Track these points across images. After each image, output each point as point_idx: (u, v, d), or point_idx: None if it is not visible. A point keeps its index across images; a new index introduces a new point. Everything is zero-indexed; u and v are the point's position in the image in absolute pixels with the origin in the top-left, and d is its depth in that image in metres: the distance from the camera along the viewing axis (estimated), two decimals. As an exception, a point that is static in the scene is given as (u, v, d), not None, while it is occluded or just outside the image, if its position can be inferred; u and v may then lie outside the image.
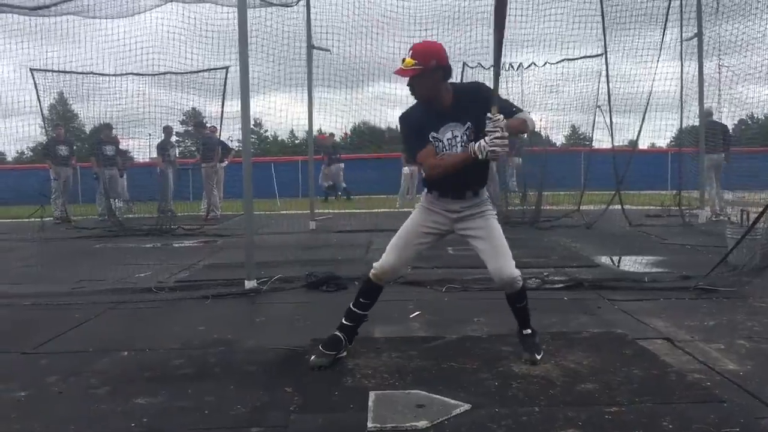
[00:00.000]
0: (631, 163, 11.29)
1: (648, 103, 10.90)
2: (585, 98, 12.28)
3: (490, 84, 3.48)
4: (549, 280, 5.93)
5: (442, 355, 3.79)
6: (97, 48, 11.68)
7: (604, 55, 11.31)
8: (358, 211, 12.83)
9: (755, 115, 12.87)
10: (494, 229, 3.61)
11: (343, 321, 3.76)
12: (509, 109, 3.44)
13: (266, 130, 38.43)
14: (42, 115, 13.62)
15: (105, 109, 13.25)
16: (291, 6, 10.49)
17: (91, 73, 12.55)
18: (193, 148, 17.06)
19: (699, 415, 2.85)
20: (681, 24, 10.91)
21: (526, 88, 12.24)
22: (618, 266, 7.14)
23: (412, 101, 3.61)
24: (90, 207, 15.07)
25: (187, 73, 12.54)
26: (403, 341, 4.11)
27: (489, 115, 3.26)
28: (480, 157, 3.26)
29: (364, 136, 21.68)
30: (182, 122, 14.72)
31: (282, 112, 12.92)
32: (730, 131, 11.83)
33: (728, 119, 11.36)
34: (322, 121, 11.42)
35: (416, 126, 3.52)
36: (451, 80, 3.54)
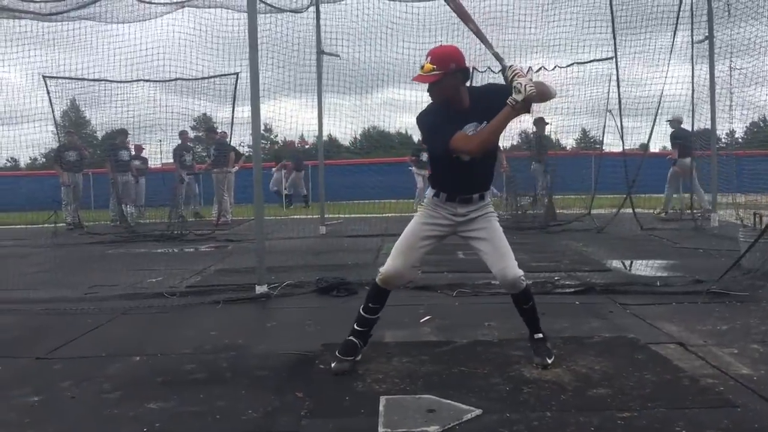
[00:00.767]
0: (642, 166, 11.25)
1: (659, 107, 10.87)
2: (595, 102, 12.23)
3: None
4: (560, 284, 5.91)
5: (453, 360, 3.79)
6: (109, 55, 11.79)
7: (614, 59, 11.27)
8: (368, 215, 12.83)
9: (767, 118, 12.80)
10: (496, 231, 3.63)
11: (355, 326, 3.76)
12: None
13: (276, 135, 38.53)
14: (54, 121, 13.73)
15: (117, 115, 13.35)
16: (301, 12, 10.55)
17: (103, 79, 12.64)
18: (204, 154, 17.11)
19: (712, 420, 2.83)
20: (692, 26, 10.85)
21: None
22: (629, 270, 7.10)
23: (420, 105, 3.62)
24: (102, 213, 15.15)
25: (197, 79, 12.60)
26: (413, 346, 4.11)
27: (506, 65, 3.30)
28: (519, 100, 3.19)
29: (373, 140, 21.71)
30: (193, 128, 14.75)
31: (292, 118, 12.97)
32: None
33: (740, 122, 11.31)
34: (332, 127, 11.45)
35: (443, 118, 3.48)
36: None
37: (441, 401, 3.11)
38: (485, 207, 3.68)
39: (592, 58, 11.73)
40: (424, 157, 13.45)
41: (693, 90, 11.05)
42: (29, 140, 12.79)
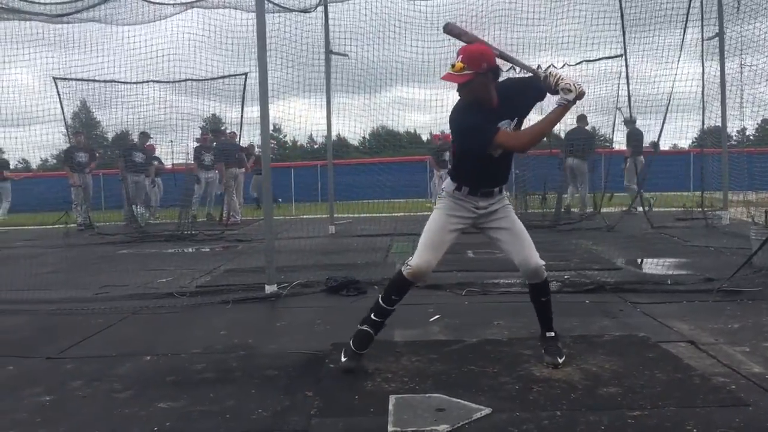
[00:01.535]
0: (652, 164, 11.20)
1: (669, 104, 10.80)
2: (605, 100, 12.18)
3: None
4: (570, 283, 5.89)
5: (462, 359, 3.78)
6: (119, 56, 11.85)
7: (623, 56, 11.21)
8: (377, 215, 12.83)
9: (779, 114, 12.71)
10: (516, 221, 3.68)
11: (372, 316, 3.70)
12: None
13: (285, 135, 38.61)
14: (65, 123, 13.81)
15: (127, 116, 13.42)
16: (309, 12, 10.55)
17: (113, 81, 12.70)
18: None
19: (724, 418, 2.81)
20: (702, 23, 10.77)
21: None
22: (640, 269, 7.07)
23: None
24: (113, 214, 15.22)
25: (207, 79, 12.64)
26: (422, 345, 4.11)
27: (542, 74, 3.42)
28: (572, 99, 3.32)
29: (382, 139, 21.70)
30: (202, 128, 14.76)
31: (301, 118, 13.00)
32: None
33: (750, 119, 11.24)
34: (341, 126, 11.46)
35: (483, 117, 3.46)
36: None
37: (450, 400, 3.11)
38: (503, 200, 3.72)
39: (601, 56, 11.67)
40: (447, 156, 13.43)
41: (703, 87, 10.99)
42: (40, 142, 12.89)
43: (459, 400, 3.10)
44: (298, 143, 38.49)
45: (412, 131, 23.26)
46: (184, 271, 7.43)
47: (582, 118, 12.55)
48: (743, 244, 6.91)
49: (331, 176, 11.74)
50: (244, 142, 14.57)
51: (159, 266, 7.94)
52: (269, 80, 6.13)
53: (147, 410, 3.14)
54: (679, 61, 10.71)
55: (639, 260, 7.49)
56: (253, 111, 13.51)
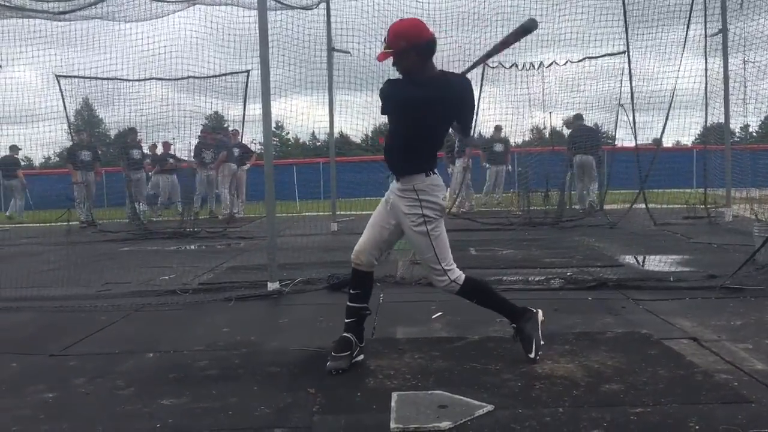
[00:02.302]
0: (655, 161, 11.19)
1: (672, 101, 10.78)
2: (607, 96, 12.19)
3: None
4: (573, 279, 5.88)
5: (465, 356, 3.78)
6: (121, 53, 11.87)
7: (626, 53, 11.19)
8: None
9: (781, 111, 12.68)
10: (412, 238, 3.68)
11: (346, 320, 3.75)
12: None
13: (287, 133, 38.68)
14: (68, 120, 13.84)
15: (129, 113, 13.45)
16: (311, 9, 10.55)
17: (115, 78, 12.75)
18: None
19: (726, 415, 2.81)
20: (705, 20, 10.77)
21: (547, 87, 12.19)
22: (643, 266, 7.06)
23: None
24: (115, 211, 15.24)
25: (209, 77, 12.66)
26: (425, 342, 4.11)
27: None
28: None
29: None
30: (204, 126, 14.82)
31: (303, 115, 13.01)
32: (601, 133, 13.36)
33: (754, 116, 11.24)
34: (343, 123, 11.45)
35: (409, 90, 3.49)
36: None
37: (453, 397, 3.11)
38: (415, 206, 3.60)
39: (604, 53, 11.66)
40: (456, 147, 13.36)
41: (706, 84, 10.98)
42: (43, 139, 12.93)
43: (461, 397, 3.10)
44: (301, 141, 38.52)
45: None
46: (187, 269, 7.44)
47: (579, 117, 12.52)
48: (746, 241, 6.90)
49: (333, 174, 11.74)
50: (246, 139, 14.62)
51: (161, 263, 7.95)
52: (271, 77, 6.11)
53: (150, 407, 3.15)
54: (682, 57, 10.71)
55: (641, 257, 7.48)
56: (255, 108, 13.54)
